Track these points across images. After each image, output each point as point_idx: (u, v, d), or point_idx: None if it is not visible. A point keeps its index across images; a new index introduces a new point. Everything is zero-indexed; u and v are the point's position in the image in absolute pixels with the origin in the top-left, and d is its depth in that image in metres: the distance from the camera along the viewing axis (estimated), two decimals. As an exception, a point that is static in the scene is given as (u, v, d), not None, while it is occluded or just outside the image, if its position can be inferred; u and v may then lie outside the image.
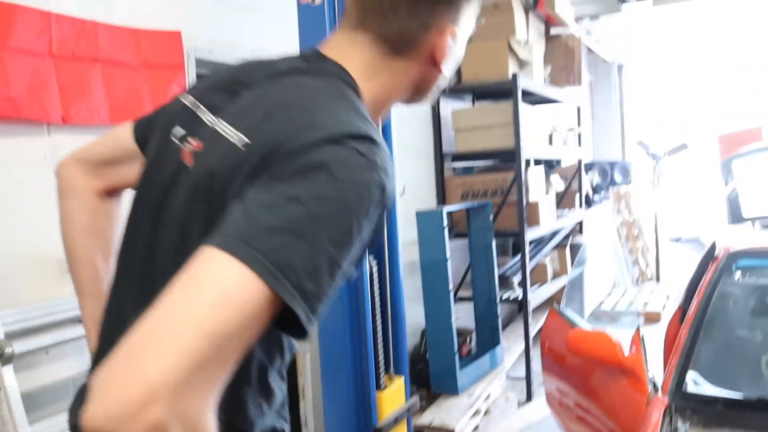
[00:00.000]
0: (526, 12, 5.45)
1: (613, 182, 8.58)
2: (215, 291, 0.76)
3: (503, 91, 5.52)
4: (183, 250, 0.90)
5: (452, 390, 4.69)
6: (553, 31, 6.24)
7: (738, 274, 3.00)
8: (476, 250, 5.29)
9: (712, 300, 2.76)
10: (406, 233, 4.70)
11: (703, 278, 2.98)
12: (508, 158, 5.37)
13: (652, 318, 7.32)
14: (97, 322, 1.20)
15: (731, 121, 9.92)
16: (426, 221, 4.67)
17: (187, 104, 1.14)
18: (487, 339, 5.30)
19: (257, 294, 0.77)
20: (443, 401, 4.66)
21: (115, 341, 0.74)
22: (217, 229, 0.83)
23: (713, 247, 3.39)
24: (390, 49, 1.11)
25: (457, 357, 4.68)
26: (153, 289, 0.80)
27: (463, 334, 5.17)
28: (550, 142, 5.98)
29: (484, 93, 6.04)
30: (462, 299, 5.37)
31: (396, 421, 2.88)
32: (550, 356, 3.49)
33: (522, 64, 5.38)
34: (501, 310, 5.40)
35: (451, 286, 4.68)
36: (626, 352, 2.57)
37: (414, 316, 4.93)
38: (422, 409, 4.58)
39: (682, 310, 3.38)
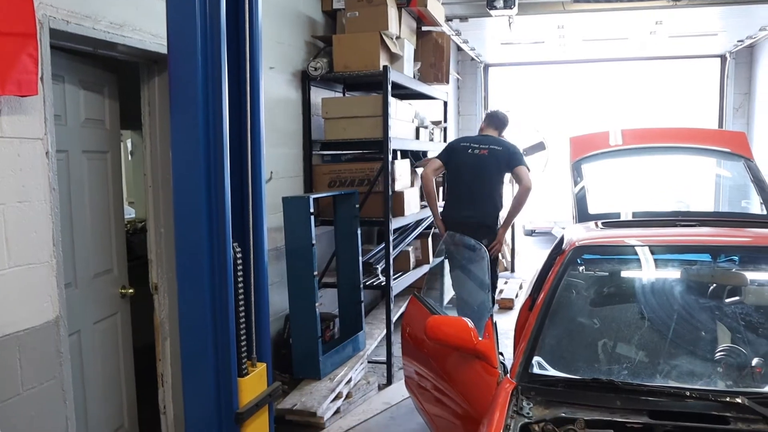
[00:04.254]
0: (399, 8, 5.57)
1: (475, 176, 8.90)
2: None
3: (374, 83, 5.62)
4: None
5: (314, 374, 4.75)
6: (425, 28, 6.41)
7: (582, 267, 3.24)
8: (342, 238, 5.37)
9: (558, 290, 2.97)
10: (272, 219, 4.69)
11: (551, 270, 3.20)
12: (376, 148, 5.47)
13: (506, 305, 7.73)
14: (437, 210, 5.57)
15: (583, 124, 10.64)
16: (292, 207, 4.67)
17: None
18: (351, 324, 5.40)
19: None
20: (305, 386, 4.71)
21: (460, 202, 5.38)
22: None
23: (561, 241, 3.65)
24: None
25: (320, 342, 4.73)
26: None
27: (326, 319, 5.23)
28: (417, 135, 6.15)
29: (355, 84, 6.12)
30: (326, 285, 5.44)
31: (257, 406, 2.89)
32: (410, 341, 3.62)
33: (393, 57, 5.49)
34: (364, 296, 5.51)
35: (315, 272, 4.72)
36: (480, 338, 2.72)
37: (278, 301, 4.94)
38: (285, 394, 4.61)
39: (532, 299, 3.61)
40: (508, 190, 6.87)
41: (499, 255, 5.65)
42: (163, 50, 3.21)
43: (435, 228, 6.93)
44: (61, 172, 3.04)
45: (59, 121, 3.10)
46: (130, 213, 6.74)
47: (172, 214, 2.73)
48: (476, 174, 5.30)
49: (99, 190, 3.58)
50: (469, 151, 5.36)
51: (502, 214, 5.58)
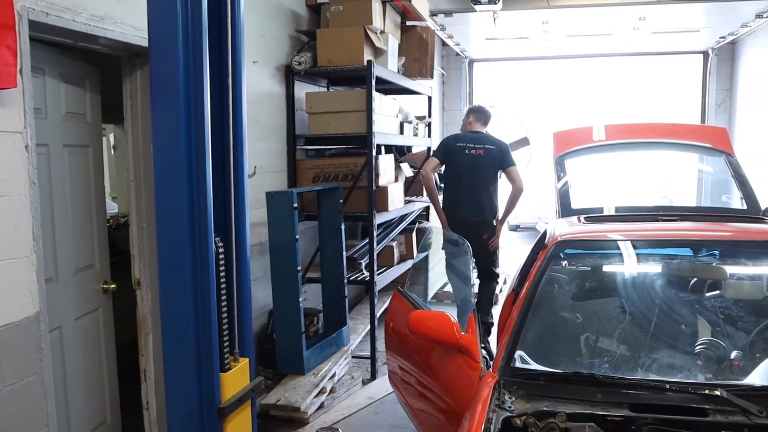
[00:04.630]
0: (383, 2, 5.56)
1: (459, 171, 8.91)
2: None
3: (358, 78, 5.61)
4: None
5: (298, 370, 4.75)
6: (409, 23, 6.40)
7: (564, 262, 3.26)
8: (326, 233, 5.36)
9: (541, 285, 2.98)
10: (256, 214, 4.68)
11: (534, 265, 3.21)
12: (360, 143, 5.47)
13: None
14: (440, 206, 5.82)
15: (567, 119, 10.68)
16: (276, 202, 4.66)
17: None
18: (334, 319, 5.40)
19: None
20: (289, 381, 4.70)
21: (462, 203, 5.67)
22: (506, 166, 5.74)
23: (544, 235, 3.67)
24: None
25: (303, 337, 4.73)
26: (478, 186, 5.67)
27: (310, 314, 5.23)
28: (401, 130, 6.15)
29: (339, 78, 6.11)
30: (311, 280, 5.43)
31: (240, 401, 2.88)
32: (394, 336, 3.62)
33: (377, 52, 5.48)
34: (348, 291, 5.51)
35: (299, 267, 4.71)
36: (463, 332, 2.73)
37: (262, 296, 4.92)
38: (268, 389, 4.60)
39: (515, 293, 3.63)
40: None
41: (498, 248, 6.04)
42: (145, 43, 3.18)
43: (419, 223, 6.96)
44: (41, 166, 3.01)
45: (39, 115, 3.07)
46: (113, 208, 6.69)
47: (154, 209, 2.71)
48: (474, 173, 5.64)
49: (80, 184, 3.55)
50: (466, 151, 5.67)
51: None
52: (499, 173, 5.81)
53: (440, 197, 5.93)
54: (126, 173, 3.86)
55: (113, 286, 3.79)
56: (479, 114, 5.99)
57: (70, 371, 3.44)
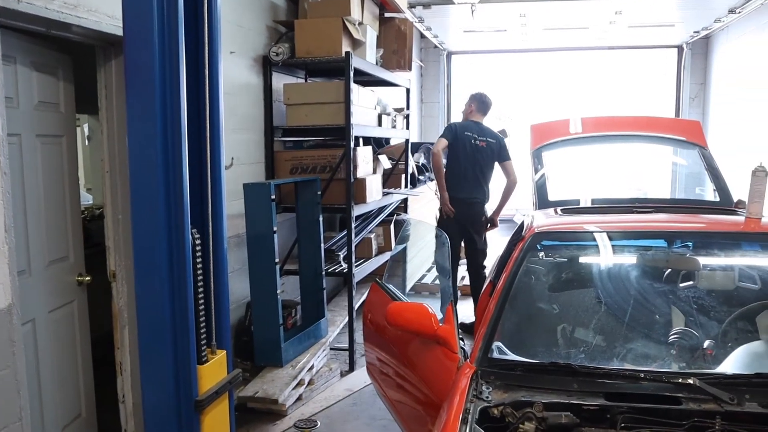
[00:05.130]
0: (362, -7, 5.54)
1: (437, 163, 8.92)
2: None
3: (336, 69, 5.58)
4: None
5: (276, 362, 4.74)
6: (388, 15, 6.38)
7: (541, 253, 3.28)
8: (304, 225, 5.34)
9: (518, 276, 3.00)
10: (234, 206, 4.65)
11: (511, 256, 3.23)
12: (338, 135, 5.45)
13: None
14: (444, 185, 6.29)
15: (544, 112, 10.75)
16: (253, 194, 4.63)
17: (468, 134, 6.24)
18: (313, 311, 5.39)
19: None
20: (267, 373, 4.69)
21: (465, 185, 6.24)
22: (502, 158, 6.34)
23: (521, 227, 3.69)
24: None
25: (281, 329, 4.72)
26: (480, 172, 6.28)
27: (288, 306, 5.21)
28: (380, 122, 6.15)
29: (317, 70, 6.08)
30: (288, 272, 5.41)
31: (217, 394, 2.87)
32: (372, 328, 3.63)
33: (355, 44, 5.46)
34: (326, 283, 5.50)
35: (277, 259, 4.69)
36: (441, 324, 2.73)
37: (239, 288, 4.90)
38: (246, 381, 4.59)
39: (493, 284, 3.64)
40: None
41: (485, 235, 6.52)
42: (120, 32, 3.13)
43: (398, 215, 6.97)
44: (13, 156, 2.96)
45: (11, 104, 3.02)
46: (87, 199, 6.61)
47: (130, 200, 2.68)
48: (476, 162, 6.25)
49: (54, 175, 3.50)
50: (472, 141, 6.25)
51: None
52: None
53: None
54: (101, 164, 3.81)
55: (88, 278, 3.74)
56: (480, 104, 6.42)
57: (43, 365, 3.40)
